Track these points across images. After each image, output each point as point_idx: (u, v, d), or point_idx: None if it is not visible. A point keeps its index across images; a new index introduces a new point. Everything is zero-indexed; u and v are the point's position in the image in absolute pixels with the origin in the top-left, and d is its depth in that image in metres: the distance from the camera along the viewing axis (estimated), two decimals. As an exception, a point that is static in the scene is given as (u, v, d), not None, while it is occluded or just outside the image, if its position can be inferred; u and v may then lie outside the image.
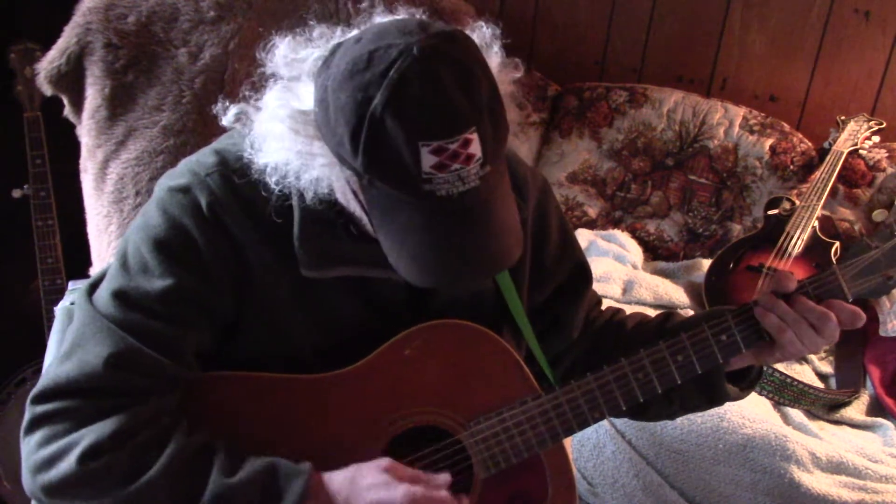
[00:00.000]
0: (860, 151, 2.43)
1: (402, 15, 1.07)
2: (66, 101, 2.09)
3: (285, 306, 1.13)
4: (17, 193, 2.37)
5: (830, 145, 2.44)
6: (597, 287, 1.46)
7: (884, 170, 2.43)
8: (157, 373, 1.08)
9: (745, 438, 1.77)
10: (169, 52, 2.06)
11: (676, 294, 2.25)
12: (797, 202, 2.33)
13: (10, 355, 2.44)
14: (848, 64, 2.62)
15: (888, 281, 1.16)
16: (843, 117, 2.53)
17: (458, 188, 0.95)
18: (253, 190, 1.07)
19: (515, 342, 1.25)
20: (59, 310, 1.51)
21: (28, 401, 1.08)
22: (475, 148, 0.94)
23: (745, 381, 1.26)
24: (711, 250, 2.49)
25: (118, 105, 2.05)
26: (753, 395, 1.96)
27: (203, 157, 1.13)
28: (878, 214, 1.57)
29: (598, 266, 2.26)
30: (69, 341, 1.09)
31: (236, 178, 1.09)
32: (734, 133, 2.55)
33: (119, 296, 1.08)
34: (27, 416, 1.07)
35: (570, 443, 1.48)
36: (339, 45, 1.00)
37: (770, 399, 1.98)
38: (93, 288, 1.13)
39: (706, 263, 2.38)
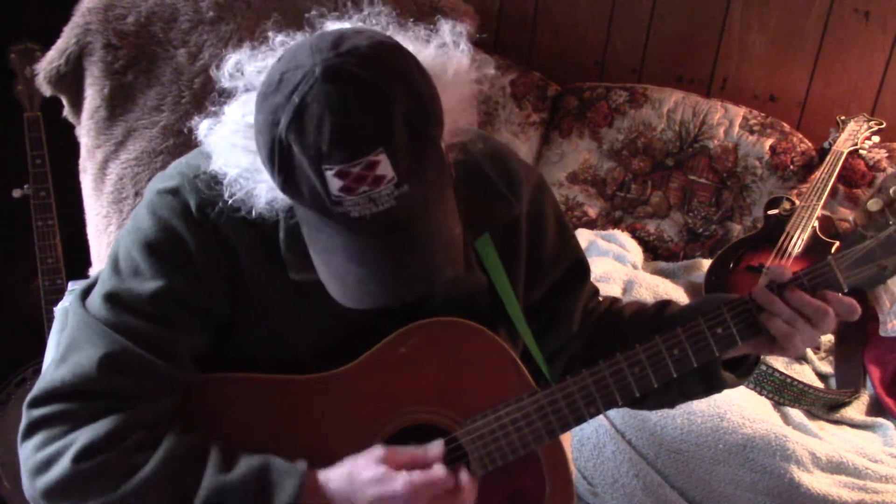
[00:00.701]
0: (860, 151, 2.43)
1: (360, 16, 1.06)
2: (65, 102, 2.09)
3: (279, 306, 1.13)
4: (17, 193, 2.37)
5: (830, 145, 2.43)
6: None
7: (884, 170, 2.42)
8: (151, 374, 1.08)
9: (745, 438, 1.77)
10: (168, 53, 2.06)
11: (676, 294, 2.25)
12: (797, 202, 2.33)
13: (10, 355, 2.44)
14: (848, 64, 2.62)
15: (883, 271, 1.16)
16: (843, 117, 2.53)
17: (370, 210, 0.94)
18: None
19: (511, 339, 1.25)
20: (59, 310, 1.52)
21: (24, 406, 1.09)
22: (384, 169, 0.92)
23: (742, 369, 1.26)
24: (711, 250, 2.49)
25: (117, 105, 2.05)
26: (753, 395, 1.96)
27: (192, 160, 1.14)
28: (873, 203, 1.57)
29: (598, 266, 2.26)
30: (63, 346, 1.10)
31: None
32: (734, 133, 2.55)
33: (111, 298, 1.09)
34: (24, 421, 1.08)
35: (569, 442, 1.48)
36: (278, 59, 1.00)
37: (770, 399, 1.98)
38: (86, 293, 1.14)
39: (706, 263, 2.38)
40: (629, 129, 2.63)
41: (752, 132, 2.54)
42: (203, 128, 1.08)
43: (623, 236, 2.48)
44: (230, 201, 1.05)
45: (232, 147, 1.03)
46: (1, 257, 2.54)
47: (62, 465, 1.03)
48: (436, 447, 1.13)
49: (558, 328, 1.32)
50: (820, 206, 2.27)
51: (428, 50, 1.04)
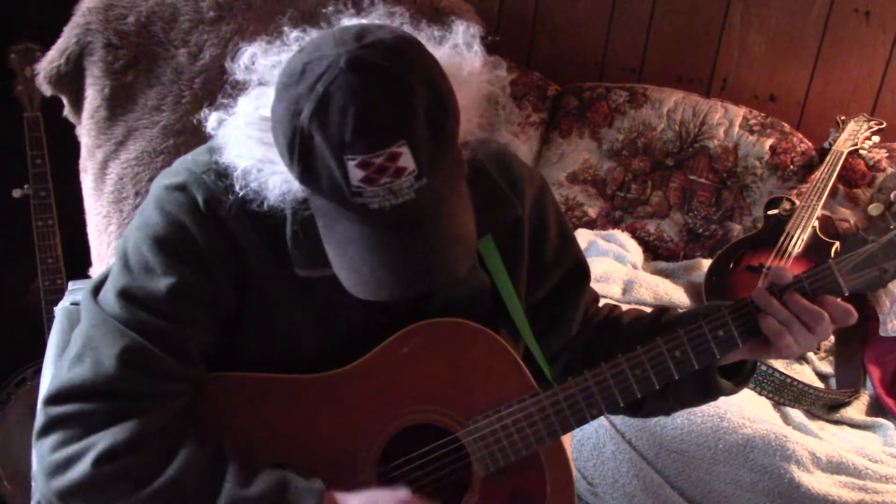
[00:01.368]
0: (860, 151, 2.43)
1: (376, 14, 1.06)
2: (65, 102, 2.09)
3: (284, 304, 1.13)
4: (17, 193, 2.37)
5: (830, 145, 2.43)
6: (597, 287, 1.46)
7: (884, 170, 2.42)
8: (166, 372, 1.08)
9: (745, 438, 1.77)
10: (168, 53, 2.06)
11: (676, 294, 2.25)
12: (797, 202, 2.33)
13: (10, 355, 2.44)
14: (848, 64, 2.62)
15: (884, 275, 1.16)
16: (843, 117, 2.53)
17: (390, 201, 0.94)
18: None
19: (513, 340, 1.25)
20: (59, 310, 1.51)
21: (41, 402, 1.08)
22: (406, 161, 0.93)
23: (739, 377, 1.26)
24: (711, 250, 2.49)
25: (118, 105, 2.05)
26: (753, 395, 1.96)
27: (198, 156, 1.14)
28: (875, 208, 1.57)
29: (598, 266, 2.26)
30: (80, 343, 1.09)
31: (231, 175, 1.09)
32: (734, 133, 2.55)
33: (124, 295, 1.09)
34: (41, 419, 1.07)
35: (569, 442, 1.48)
36: (297, 51, 1.00)
37: (770, 399, 1.98)
38: (96, 289, 1.14)
39: (706, 263, 2.38)
40: (629, 129, 2.63)
41: (752, 132, 2.54)
42: (212, 120, 1.08)
43: (623, 236, 2.48)
44: (241, 193, 1.05)
45: (246, 138, 1.03)
46: (1, 257, 2.54)
47: (81, 468, 1.03)
48: None
49: (558, 330, 1.32)
50: (820, 206, 2.27)
51: (443, 49, 1.04)
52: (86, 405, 1.05)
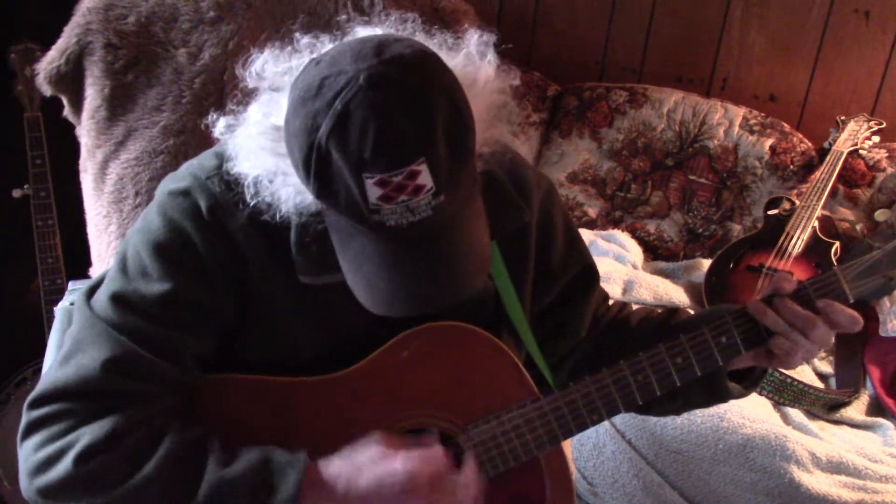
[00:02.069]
0: (860, 151, 2.43)
1: (390, 22, 1.05)
2: (65, 102, 2.09)
3: (286, 310, 1.13)
4: (17, 193, 2.37)
5: (830, 145, 2.44)
6: (596, 287, 1.45)
7: (884, 170, 2.42)
8: (155, 377, 1.08)
9: (745, 438, 1.77)
10: (168, 53, 2.06)
11: (676, 294, 2.25)
12: (797, 202, 2.33)
13: (10, 355, 2.44)
14: (848, 64, 2.62)
15: (889, 282, 1.15)
16: (843, 117, 2.53)
17: (407, 219, 0.94)
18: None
19: (515, 346, 1.25)
20: (59, 310, 1.51)
21: (25, 406, 1.08)
22: (424, 178, 0.92)
23: (749, 380, 1.26)
24: (711, 250, 2.49)
25: (118, 105, 2.05)
26: (753, 395, 1.96)
27: (204, 160, 1.13)
28: (881, 214, 1.57)
29: (597, 266, 2.25)
30: (67, 345, 1.09)
31: (237, 181, 1.08)
32: (734, 133, 2.55)
33: (118, 299, 1.08)
34: (24, 421, 1.07)
35: (569, 444, 1.48)
36: (312, 62, 0.99)
37: (770, 399, 1.98)
38: (92, 291, 1.13)
39: (706, 263, 2.38)
40: (629, 129, 2.63)
41: (752, 132, 2.54)
42: (220, 125, 1.07)
43: (623, 236, 2.48)
44: (252, 203, 1.04)
45: (258, 148, 1.02)
46: (1, 257, 2.54)
47: (63, 466, 1.03)
48: (433, 435, 1.13)
49: (567, 334, 1.32)
50: (820, 206, 2.27)
51: (457, 59, 1.03)
52: (68, 405, 1.05)
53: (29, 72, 2.22)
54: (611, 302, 1.39)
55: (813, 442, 1.81)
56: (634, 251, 2.44)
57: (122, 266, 1.10)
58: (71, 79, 2.05)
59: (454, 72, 0.99)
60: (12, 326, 2.48)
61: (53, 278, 2.34)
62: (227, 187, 1.08)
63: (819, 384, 2.09)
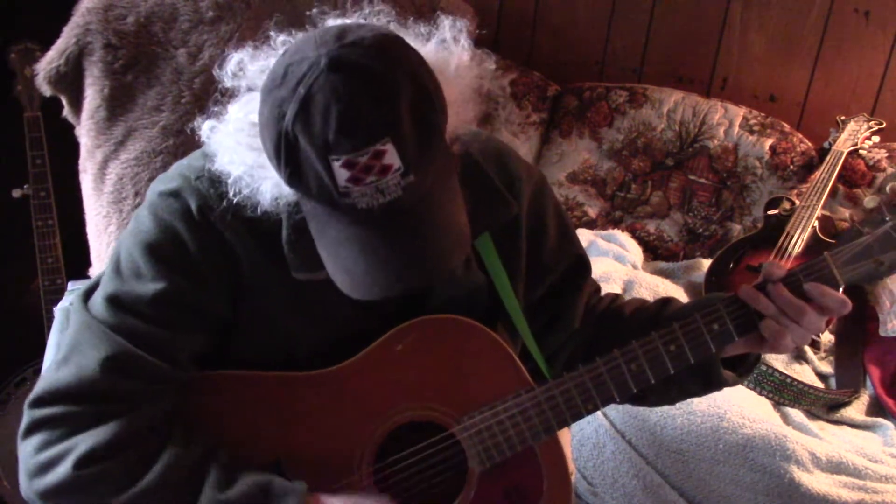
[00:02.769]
0: (860, 151, 2.43)
1: (366, 13, 1.06)
2: (65, 102, 2.09)
3: (279, 307, 1.13)
4: (17, 193, 2.37)
5: (830, 145, 2.43)
6: (596, 287, 1.45)
7: (884, 170, 2.42)
8: (152, 376, 1.08)
9: (745, 438, 1.77)
10: (168, 53, 2.06)
11: (676, 294, 2.25)
12: (797, 202, 2.33)
13: (10, 355, 2.44)
14: (848, 64, 2.62)
15: (879, 266, 1.15)
16: (843, 117, 2.53)
17: (378, 200, 0.94)
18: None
19: (510, 338, 1.25)
20: (59, 310, 1.51)
21: (26, 405, 1.09)
22: (391, 158, 0.92)
23: (743, 367, 1.26)
24: (711, 250, 2.49)
25: (117, 105, 2.05)
26: (753, 395, 1.96)
27: (193, 161, 1.14)
28: (870, 200, 1.57)
29: (598, 266, 2.25)
30: (66, 346, 1.10)
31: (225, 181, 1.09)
32: (734, 133, 2.55)
33: (112, 300, 1.09)
34: (25, 420, 1.08)
35: (568, 440, 1.48)
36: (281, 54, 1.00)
37: (770, 399, 1.98)
38: (88, 294, 1.14)
39: (706, 263, 2.38)
40: (629, 129, 2.63)
41: (752, 132, 2.54)
42: (205, 128, 1.08)
43: (623, 236, 2.48)
44: (235, 199, 1.05)
45: (237, 145, 1.03)
46: (1, 257, 2.54)
47: (62, 470, 1.03)
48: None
49: (560, 326, 1.32)
50: (820, 206, 2.27)
51: (429, 46, 1.04)
52: (69, 407, 1.06)
53: (29, 72, 2.22)
54: (603, 293, 1.39)
55: (813, 442, 1.81)
56: (634, 251, 2.44)
57: (116, 268, 1.11)
58: (70, 79, 2.05)
59: (426, 58, 0.99)
60: (12, 326, 2.48)
61: (53, 278, 2.34)
62: (216, 186, 1.09)
63: (819, 384, 2.09)
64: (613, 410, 1.87)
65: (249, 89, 1.05)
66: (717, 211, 2.54)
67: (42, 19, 2.24)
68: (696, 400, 1.83)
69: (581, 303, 1.33)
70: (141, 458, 1.05)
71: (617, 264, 2.34)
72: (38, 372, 2.36)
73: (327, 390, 1.16)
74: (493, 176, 1.19)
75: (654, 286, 2.24)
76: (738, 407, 1.82)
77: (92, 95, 2.05)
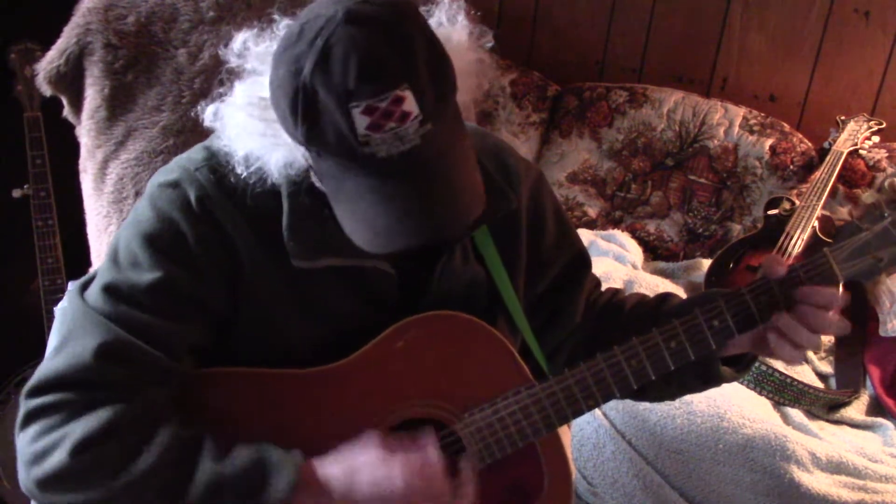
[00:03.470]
0: (860, 151, 2.43)
1: None
2: (65, 102, 2.09)
3: (279, 300, 1.14)
4: (17, 193, 2.37)
5: (830, 145, 2.44)
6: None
7: (884, 170, 2.43)
8: (147, 365, 1.08)
9: (745, 438, 1.77)
10: (168, 53, 2.06)
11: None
12: (797, 202, 2.33)
13: (10, 355, 2.43)
14: (848, 64, 2.62)
15: (878, 263, 1.15)
16: (843, 117, 2.53)
17: (397, 148, 0.95)
18: (242, 183, 1.08)
19: (510, 334, 1.26)
20: (59, 310, 1.51)
21: (22, 395, 1.09)
22: (410, 105, 0.93)
23: (741, 364, 1.26)
24: (711, 250, 2.49)
25: (118, 105, 2.05)
26: (753, 395, 1.96)
27: (193, 153, 1.14)
28: (868, 196, 1.57)
29: (598, 266, 2.25)
30: (61, 335, 1.10)
31: (225, 172, 1.09)
32: (734, 133, 2.55)
33: (109, 289, 1.09)
34: (22, 411, 1.08)
35: (568, 439, 1.48)
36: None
37: (770, 399, 1.98)
38: (85, 286, 1.14)
39: (706, 263, 2.38)
40: (629, 129, 2.63)
41: (752, 132, 2.54)
42: (209, 112, 1.09)
43: (623, 236, 2.48)
44: (244, 175, 1.05)
45: (248, 118, 1.04)
46: (1, 257, 2.54)
47: (58, 457, 1.03)
48: (427, 433, 1.14)
49: (561, 321, 1.32)
50: (820, 206, 2.27)
51: (430, 21, 1.05)
52: (64, 395, 1.05)
53: (29, 72, 2.22)
54: (603, 288, 1.39)
55: (813, 442, 1.81)
56: (634, 251, 2.44)
57: (114, 257, 1.11)
58: (71, 79, 2.05)
59: None
60: (12, 326, 2.48)
61: (53, 278, 2.34)
62: (216, 178, 1.09)
63: (819, 384, 2.09)
64: (613, 411, 1.87)
65: (253, 73, 1.06)
66: (717, 211, 2.54)
67: (42, 19, 2.24)
68: (696, 400, 1.84)
69: (582, 298, 1.33)
70: (136, 441, 1.05)
71: (617, 264, 2.34)
72: (38, 372, 2.36)
73: (328, 387, 1.16)
74: (492, 171, 1.19)
75: (654, 286, 2.24)
76: (738, 407, 1.82)
77: (92, 95, 2.05)
